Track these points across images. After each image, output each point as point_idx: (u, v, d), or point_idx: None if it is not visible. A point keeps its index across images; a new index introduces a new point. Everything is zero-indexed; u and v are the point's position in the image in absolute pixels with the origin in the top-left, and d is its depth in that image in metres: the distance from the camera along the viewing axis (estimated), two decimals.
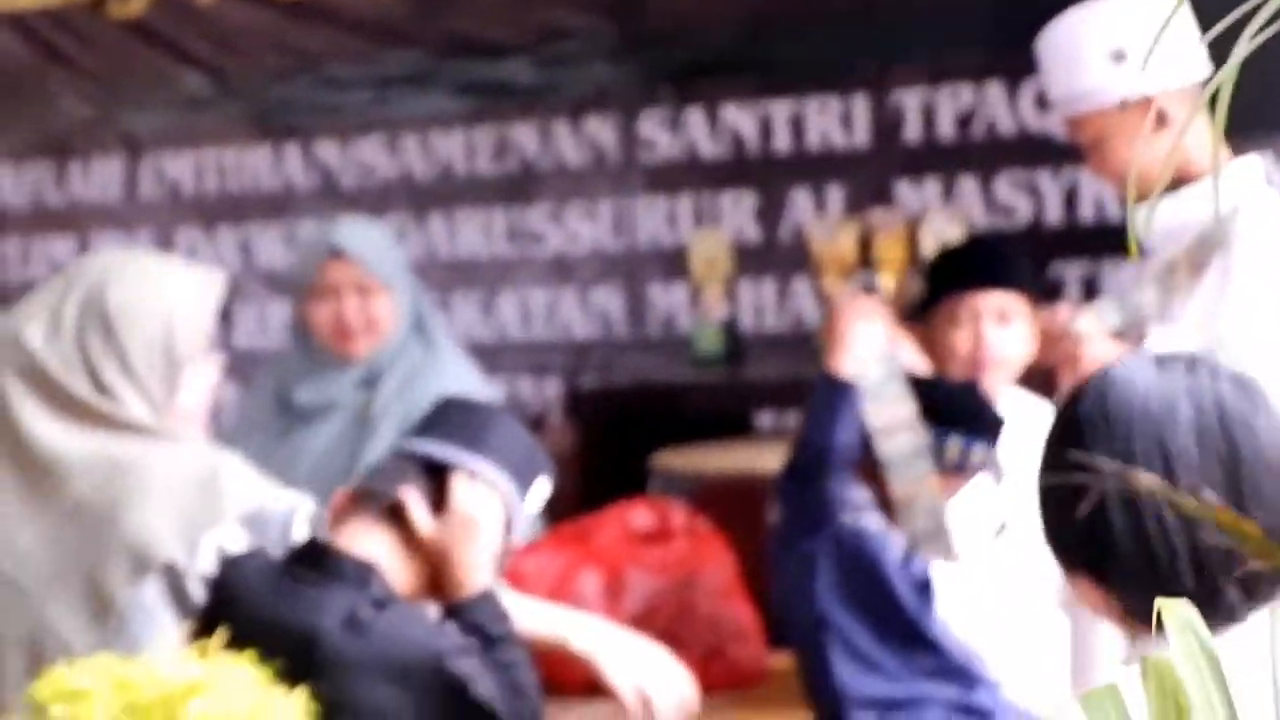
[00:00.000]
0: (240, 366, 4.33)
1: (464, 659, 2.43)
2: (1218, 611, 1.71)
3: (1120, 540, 1.68)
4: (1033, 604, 2.88)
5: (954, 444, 2.83)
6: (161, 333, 2.71)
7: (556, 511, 3.13)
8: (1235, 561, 1.68)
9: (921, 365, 2.93)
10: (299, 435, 3.38)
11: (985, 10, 4.71)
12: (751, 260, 5.10)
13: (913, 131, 4.87)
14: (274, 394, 3.42)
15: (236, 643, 2.16)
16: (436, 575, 2.54)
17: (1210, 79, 2.80)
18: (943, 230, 4.61)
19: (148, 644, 2.53)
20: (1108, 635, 2.49)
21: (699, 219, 5.19)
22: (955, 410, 2.91)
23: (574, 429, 4.80)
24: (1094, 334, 2.93)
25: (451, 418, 2.65)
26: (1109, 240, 4.54)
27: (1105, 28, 3.03)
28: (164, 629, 2.61)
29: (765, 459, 3.71)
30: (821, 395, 2.84)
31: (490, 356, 4.78)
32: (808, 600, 2.85)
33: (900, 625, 2.83)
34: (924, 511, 2.83)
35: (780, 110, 5.05)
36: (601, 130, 5.31)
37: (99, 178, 6.07)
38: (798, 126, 5.03)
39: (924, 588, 2.82)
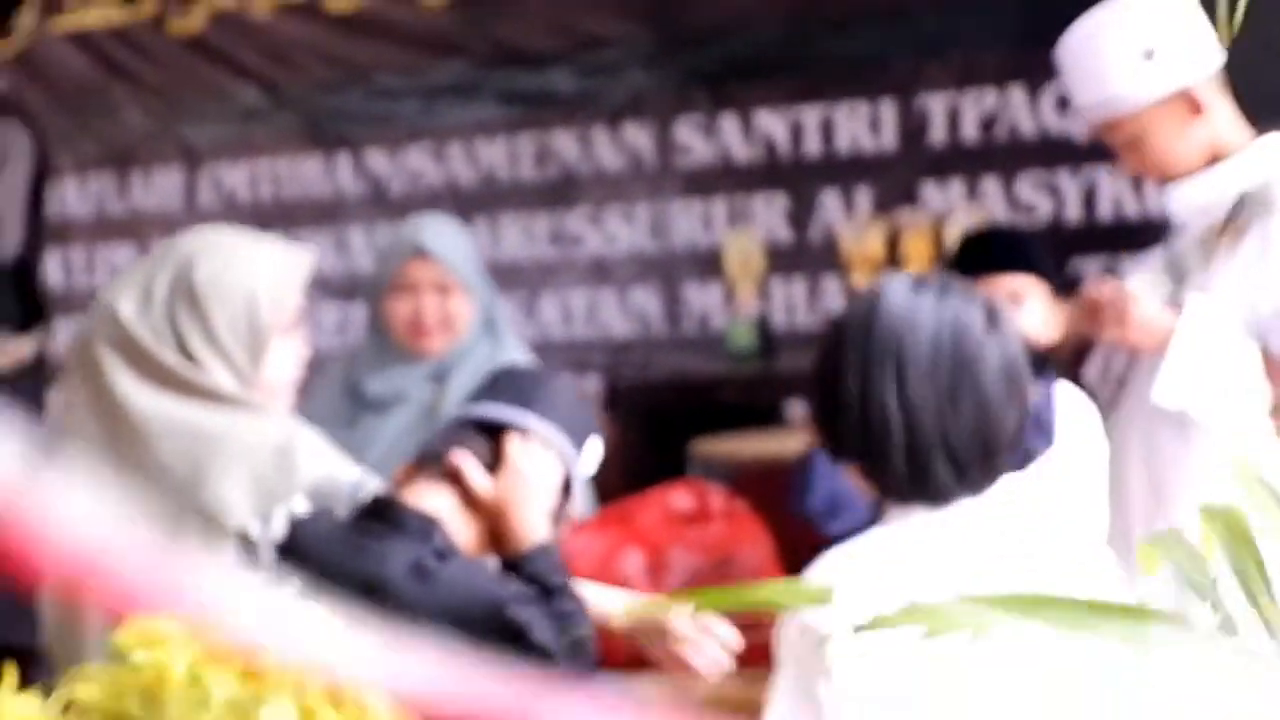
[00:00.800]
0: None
1: (523, 607, 2.44)
2: (927, 490, 2.01)
3: (857, 428, 1.96)
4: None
5: None
6: (246, 306, 2.70)
7: (599, 500, 3.17)
8: (947, 450, 2.02)
9: None
10: (368, 425, 3.33)
11: (1006, 17, 4.70)
12: (783, 259, 5.08)
13: (938, 134, 4.86)
14: (343, 384, 3.38)
15: (308, 593, 2.17)
16: (496, 531, 2.55)
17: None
18: (968, 229, 4.61)
19: None
20: None
21: (732, 220, 5.18)
22: None
23: (614, 423, 4.76)
24: (1142, 294, 2.89)
25: (504, 382, 2.65)
26: (1126, 236, 4.51)
27: (1131, 29, 2.99)
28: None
29: (796, 445, 3.72)
30: None
31: (533, 355, 4.81)
32: None
33: None
34: None
35: (810, 115, 5.04)
36: (639, 136, 5.30)
37: (159, 187, 6.13)
38: (827, 131, 5.03)
39: None
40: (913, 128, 4.90)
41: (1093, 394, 2.92)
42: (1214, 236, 2.98)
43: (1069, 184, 4.71)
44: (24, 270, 4.57)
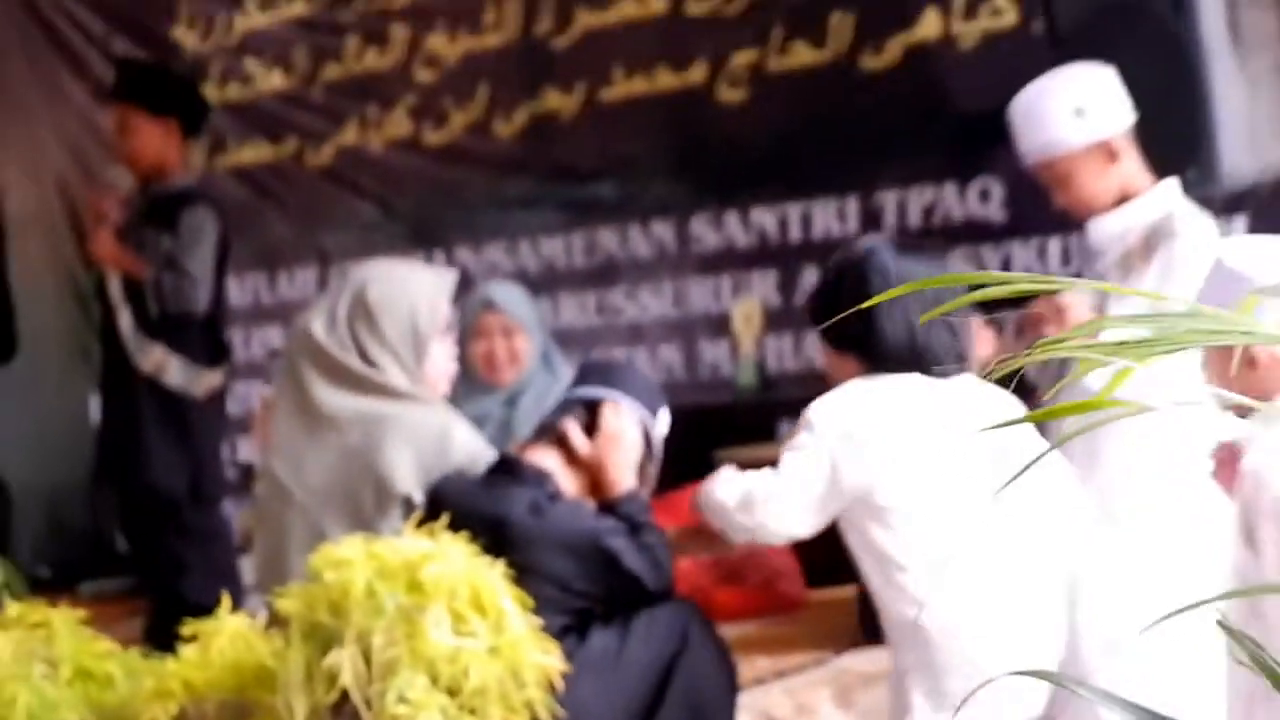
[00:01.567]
0: None
1: (616, 538, 2.50)
2: (908, 356, 2.34)
3: (854, 318, 2.19)
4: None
5: None
6: (409, 317, 2.75)
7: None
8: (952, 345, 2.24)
9: None
10: None
11: (943, 130, 5.04)
12: (776, 319, 5.41)
13: (890, 220, 5.22)
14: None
15: (449, 530, 2.31)
16: (595, 483, 2.63)
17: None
18: None
19: None
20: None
21: (736, 292, 5.48)
22: None
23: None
24: (1078, 303, 2.98)
25: (594, 370, 2.78)
26: (1033, 294, 4.80)
27: (1066, 92, 3.12)
28: None
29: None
30: None
31: None
32: None
33: None
34: None
35: (793, 210, 5.40)
36: (664, 230, 5.64)
37: (299, 282, 6.46)
38: (806, 222, 5.37)
39: None
40: (870, 216, 5.24)
41: (1034, 384, 3.02)
42: (1130, 260, 3.07)
43: (991, 255, 5.02)
44: (212, 322, 4.68)
